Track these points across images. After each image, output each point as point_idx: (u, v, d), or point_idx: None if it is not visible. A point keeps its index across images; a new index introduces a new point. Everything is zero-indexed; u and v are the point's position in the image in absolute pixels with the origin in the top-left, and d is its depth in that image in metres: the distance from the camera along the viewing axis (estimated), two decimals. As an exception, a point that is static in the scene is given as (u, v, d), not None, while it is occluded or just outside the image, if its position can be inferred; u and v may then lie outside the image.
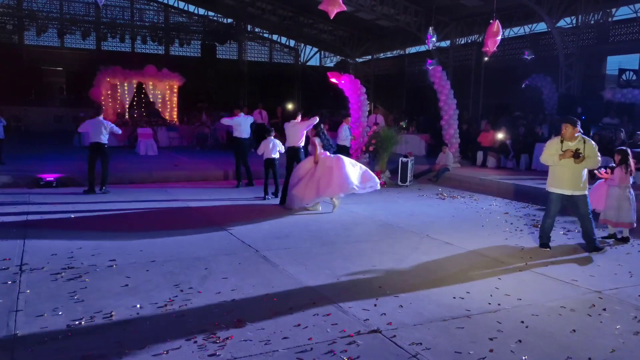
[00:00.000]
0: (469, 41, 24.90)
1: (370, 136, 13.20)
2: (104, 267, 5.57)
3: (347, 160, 8.97)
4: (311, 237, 7.21)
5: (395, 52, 30.25)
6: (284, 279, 5.38)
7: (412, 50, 29.17)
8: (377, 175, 9.54)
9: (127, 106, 21.36)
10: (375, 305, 4.65)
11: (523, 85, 18.99)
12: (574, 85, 19.25)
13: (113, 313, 4.33)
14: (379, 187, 9.23)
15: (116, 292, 4.84)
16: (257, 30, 32.79)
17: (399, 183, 12.04)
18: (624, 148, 7.59)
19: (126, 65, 21.50)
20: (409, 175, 12.35)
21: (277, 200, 9.79)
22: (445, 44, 25.08)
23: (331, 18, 10.30)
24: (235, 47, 32.52)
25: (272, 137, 10.21)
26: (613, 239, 7.30)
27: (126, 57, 26.80)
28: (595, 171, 7.40)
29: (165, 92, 22.16)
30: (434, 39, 15.35)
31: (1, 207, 8.70)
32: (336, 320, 4.31)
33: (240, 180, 11.62)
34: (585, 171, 6.62)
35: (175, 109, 22.53)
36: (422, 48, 27.52)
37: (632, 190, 7.27)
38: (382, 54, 31.23)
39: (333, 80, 14.01)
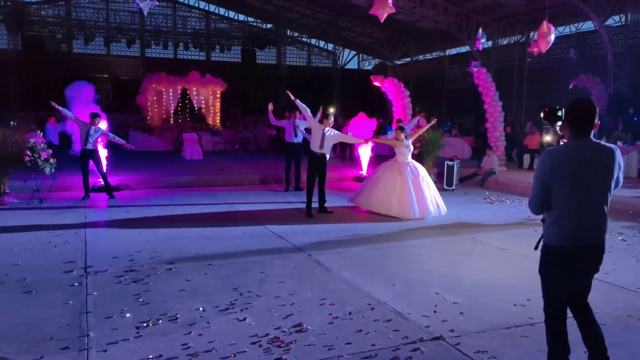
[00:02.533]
0: (512, 42, 24.44)
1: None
2: (164, 270, 5.72)
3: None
4: (362, 241, 7.21)
5: (434, 53, 29.94)
6: (339, 283, 5.40)
7: (452, 51, 28.83)
8: None
9: (172, 112, 21.85)
10: (434, 311, 4.62)
11: (570, 86, 18.48)
12: (623, 85, 18.63)
13: (178, 316, 4.44)
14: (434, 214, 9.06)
15: (178, 295, 4.96)
16: (295, 34, 33.05)
17: (445, 187, 11.89)
18: None
19: (169, 71, 22.01)
20: (455, 179, 12.19)
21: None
22: (486, 44, 24.65)
23: (381, 21, 10.30)
24: (275, 51, 32.84)
25: None
26: None
27: (168, 64, 27.49)
28: None
29: (208, 98, 22.57)
30: (483, 39, 15.15)
31: (60, 211, 9.06)
32: (397, 326, 4.30)
33: (289, 184, 11.72)
34: None
35: (218, 114, 22.92)
36: (462, 49, 27.19)
37: None
38: (421, 56, 30.96)
39: (376, 83, 13.98)
